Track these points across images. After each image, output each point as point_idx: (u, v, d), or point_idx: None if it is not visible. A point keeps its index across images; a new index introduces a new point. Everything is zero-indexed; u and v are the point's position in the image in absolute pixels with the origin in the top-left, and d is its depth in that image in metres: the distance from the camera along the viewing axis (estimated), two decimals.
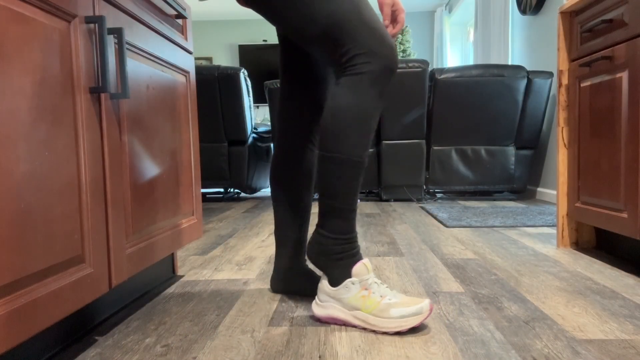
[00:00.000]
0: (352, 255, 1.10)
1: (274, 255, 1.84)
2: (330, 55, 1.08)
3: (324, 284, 1.11)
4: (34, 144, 0.76)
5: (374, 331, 1.06)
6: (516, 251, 1.84)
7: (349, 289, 1.08)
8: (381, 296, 1.07)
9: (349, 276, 1.09)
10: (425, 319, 1.08)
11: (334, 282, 1.10)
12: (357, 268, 1.09)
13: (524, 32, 4.04)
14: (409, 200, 3.60)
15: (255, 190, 3.91)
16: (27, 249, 0.74)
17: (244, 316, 1.18)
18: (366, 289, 1.08)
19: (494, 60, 4.65)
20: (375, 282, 1.10)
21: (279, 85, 3.43)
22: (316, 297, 1.13)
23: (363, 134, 1.07)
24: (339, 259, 1.10)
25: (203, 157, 3.62)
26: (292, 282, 1.33)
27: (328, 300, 1.11)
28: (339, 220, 1.10)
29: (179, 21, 1.42)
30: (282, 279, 1.33)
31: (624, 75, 1.48)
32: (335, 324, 1.11)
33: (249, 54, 7.37)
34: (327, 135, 1.08)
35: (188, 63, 1.46)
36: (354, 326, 1.09)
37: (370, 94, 1.06)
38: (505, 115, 3.42)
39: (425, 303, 1.06)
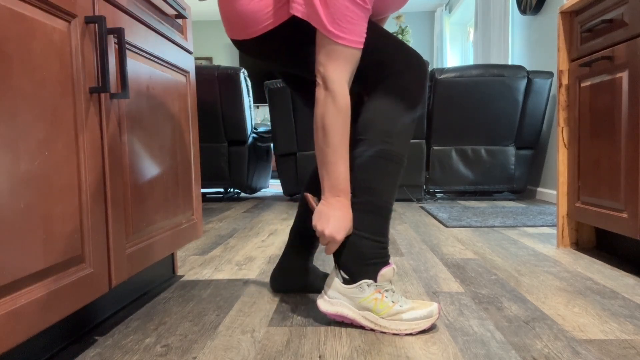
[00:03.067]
0: (383, 263, 1.09)
1: (274, 255, 1.84)
2: (367, 72, 1.12)
3: (335, 280, 1.10)
4: (34, 144, 0.76)
5: (382, 332, 1.06)
6: (516, 251, 1.84)
7: (363, 289, 1.08)
8: (393, 302, 1.07)
9: (371, 278, 1.08)
10: (435, 321, 1.08)
11: (349, 281, 1.10)
12: (386, 270, 1.08)
13: (524, 32, 4.04)
14: (409, 200, 3.60)
15: (255, 190, 3.91)
16: (27, 249, 0.74)
17: (244, 316, 1.18)
18: (379, 293, 1.08)
19: (494, 60, 4.65)
20: (392, 290, 1.10)
21: (279, 86, 3.44)
22: (323, 293, 1.12)
23: (409, 131, 1.12)
24: (371, 264, 1.09)
25: (203, 157, 3.62)
26: (296, 279, 1.33)
27: (338, 298, 1.09)
28: (378, 219, 1.10)
29: (179, 21, 1.42)
30: (286, 275, 1.34)
31: (624, 75, 1.48)
32: (342, 321, 1.10)
33: None
34: (377, 131, 1.09)
35: (188, 63, 1.46)
36: (362, 326, 1.08)
37: (413, 97, 1.12)
38: (505, 115, 3.42)
39: (434, 306, 1.07)
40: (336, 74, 1.02)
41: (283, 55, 1.15)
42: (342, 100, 1.02)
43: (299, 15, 1.03)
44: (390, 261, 1.11)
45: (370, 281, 1.08)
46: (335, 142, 1.03)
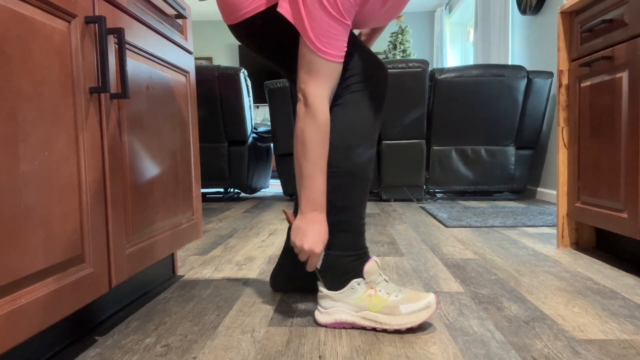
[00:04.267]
0: (364, 262, 1.10)
1: (274, 255, 1.85)
2: None
3: (324, 291, 1.11)
4: (34, 144, 0.76)
5: (384, 329, 1.06)
6: (516, 251, 1.84)
7: (355, 289, 1.08)
8: (387, 293, 1.08)
9: (358, 276, 1.09)
10: (434, 312, 1.08)
11: (337, 286, 1.10)
12: (369, 266, 1.09)
13: (524, 32, 4.04)
14: (409, 200, 3.60)
15: (255, 190, 3.91)
16: (27, 249, 0.74)
17: (244, 316, 1.18)
18: (372, 288, 1.08)
19: (494, 60, 4.65)
20: (385, 280, 1.10)
21: (279, 86, 3.44)
22: (318, 306, 1.12)
23: (368, 146, 1.12)
24: (353, 275, 1.09)
25: (203, 157, 3.62)
26: (296, 278, 1.33)
27: (333, 305, 1.10)
28: (351, 235, 1.11)
29: (179, 21, 1.42)
30: (285, 274, 1.34)
31: (624, 75, 1.48)
32: (344, 328, 1.10)
33: (249, 54, 7.37)
34: (336, 150, 1.10)
35: (188, 63, 1.46)
36: (363, 327, 1.08)
37: (371, 108, 1.13)
38: (505, 115, 3.42)
39: (431, 297, 1.07)
40: (317, 90, 1.03)
41: (263, 45, 1.17)
42: (322, 116, 1.04)
43: (286, 16, 1.03)
44: (370, 255, 1.12)
45: (359, 279, 1.08)
46: (314, 156, 1.05)
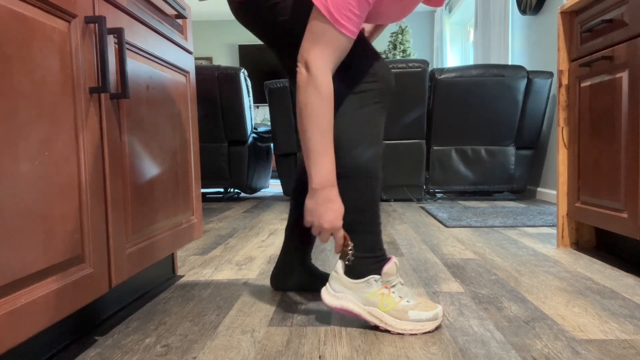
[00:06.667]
0: (384, 262, 1.09)
1: (274, 255, 1.85)
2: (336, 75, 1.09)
3: (340, 273, 1.08)
4: (34, 144, 0.76)
5: (387, 330, 1.06)
6: (516, 251, 1.84)
7: (371, 285, 1.07)
8: (400, 297, 1.07)
9: (376, 273, 1.08)
10: (439, 324, 1.08)
11: (356, 276, 1.08)
12: (388, 267, 1.07)
13: (524, 32, 4.04)
14: (409, 200, 3.60)
15: (255, 190, 3.91)
16: (27, 249, 0.74)
17: (244, 316, 1.18)
18: (387, 288, 1.07)
19: (494, 60, 4.65)
20: (400, 283, 1.09)
21: (279, 86, 3.44)
22: (328, 285, 1.10)
23: (373, 144, 1.10)
24: (373, 274, 1.08)
25: (203, 157, 3.62)
26: (296, 277, 1.33)
27: (343, 291, 1.08)
28: (368, 236, 1.09)
29: (179, 21, 1.42)
30: (285, 274, 1.34)
31: (624, 75, 1.48)
32: (345, 315, 1.09)
33: (249, 54, 7.38)
34: (344, 152, 1.08)
35: (188, 63, 1.46)
36: (365, 321, 1.08)
37: (374, 108, 1.11)
38: (505, 115, 3.42)
39: (439, 309, 1.07)
40: (320, 60, 0.98)
41: (264, 28, 1.12)
42: (325, 86, 0.98)
43: None
44: (389, 256, 1.11)
45: (377, 276, 1.07)
46: (321, 129, 0.99)
